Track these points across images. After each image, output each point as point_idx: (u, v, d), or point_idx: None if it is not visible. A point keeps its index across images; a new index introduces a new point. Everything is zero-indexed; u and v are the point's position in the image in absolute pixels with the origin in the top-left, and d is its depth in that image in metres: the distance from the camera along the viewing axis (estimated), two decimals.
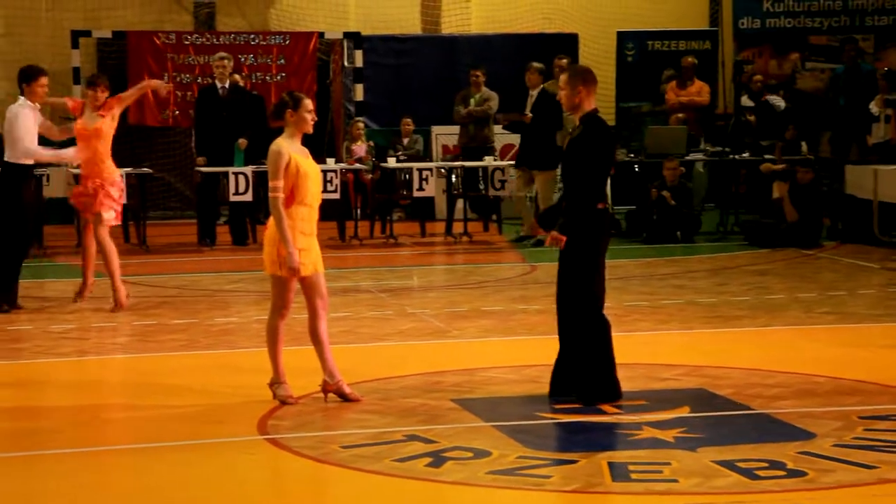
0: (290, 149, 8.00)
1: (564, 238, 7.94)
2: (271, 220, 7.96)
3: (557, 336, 8.10)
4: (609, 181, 18.77)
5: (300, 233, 7.95)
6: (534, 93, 16.59)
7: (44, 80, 11.49)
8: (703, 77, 19.89)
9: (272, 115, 8.14)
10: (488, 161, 17.28)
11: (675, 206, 16.44)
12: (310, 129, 8.15)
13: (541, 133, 16.43)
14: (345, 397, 8.09)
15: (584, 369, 7.93)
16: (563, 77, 8.20)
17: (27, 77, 11.51)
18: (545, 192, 16.54)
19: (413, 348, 10.06)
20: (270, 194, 7.93)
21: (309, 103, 8.12)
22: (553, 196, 16.75)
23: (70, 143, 12.21)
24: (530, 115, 16.34)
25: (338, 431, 7.39)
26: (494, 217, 18.15)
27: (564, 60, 18.50)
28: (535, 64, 16.64)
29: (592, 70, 8.28)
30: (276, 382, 8.07)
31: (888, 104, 17.37)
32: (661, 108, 20.11)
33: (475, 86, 18.11)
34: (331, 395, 8.10)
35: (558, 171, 16.49)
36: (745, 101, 19.52)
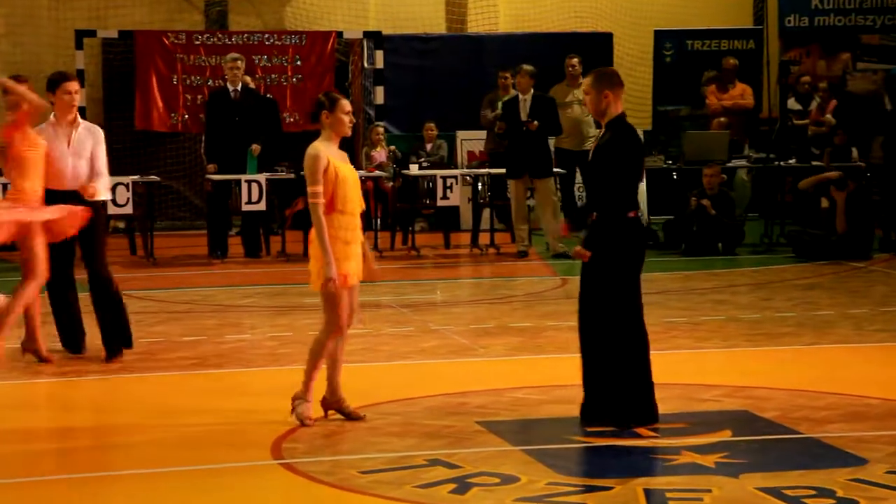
0: (327, 152, 8.03)
1: (589, 253, 7.93)
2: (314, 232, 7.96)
3: (582, 356, 8.06)
4: (644, 189, 19.02)
5: (342, 242, 7.96)
6: (526, 97, 16.47)
7: (68, 87, 10.31)
8: (747, 78, 19.85)
9: (310, 117, 8.20)
10: None
11: (715, 216, 16.40)
12: (347, 132, 8.19)
13: (539, 140, 16.39)
14: (348, 415, 8.11)
15: (619, 389, 7.91)
16: (587, 81, 8.20)
17: (49, 86, 10.37)
18: (547, 200, 16.50)
19: (436, 367, 10.06)
20: (310, 201, 7.93)
21: (346, 104, 8.14)
22: (555, 202, 16.72)
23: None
24: (536, 122, 16.25)
25: (356, 455, 7.39)
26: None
27: (576, 59, 18.54)
28: (526, 67, 16.59)
29: (618, 72, 8.30)
30: (300, 398, 8.07)
31: None
32: (702, 112, 20.08)
33: (503, 89, 18.12)
34: (335, 414, 8.13)
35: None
36: (792, 104, 19.47)
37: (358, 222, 8.10)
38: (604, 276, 7.91)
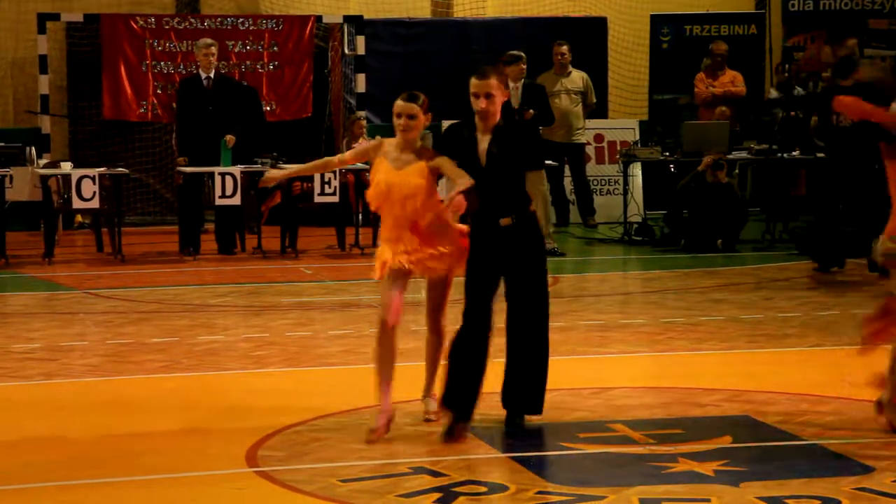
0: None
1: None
2: None
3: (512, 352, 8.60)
4: (639, 184, 19.04)
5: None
6: (517, 85, 16.46)
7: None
8: (748, 65, 19.86)
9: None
10: None
11: (727, 185, 16.46)
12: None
13: (531, 130, 16.39)
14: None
15: (537, 380, 8.35)
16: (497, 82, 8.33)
17: None
18: (537, 193, 16.49)
19: (420, 370, 10.03)
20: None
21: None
22: (545, 196, 16.71)
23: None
24: (531, 111, 16.24)
25: (336, 463, 7.39)
26: None
27: (565, 47, 18.58)
28: (521, 54, 16.60)
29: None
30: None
31: None
32: (689, 101, 20.08)
33: None
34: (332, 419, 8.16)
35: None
36: (797, 91, 19.49)
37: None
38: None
